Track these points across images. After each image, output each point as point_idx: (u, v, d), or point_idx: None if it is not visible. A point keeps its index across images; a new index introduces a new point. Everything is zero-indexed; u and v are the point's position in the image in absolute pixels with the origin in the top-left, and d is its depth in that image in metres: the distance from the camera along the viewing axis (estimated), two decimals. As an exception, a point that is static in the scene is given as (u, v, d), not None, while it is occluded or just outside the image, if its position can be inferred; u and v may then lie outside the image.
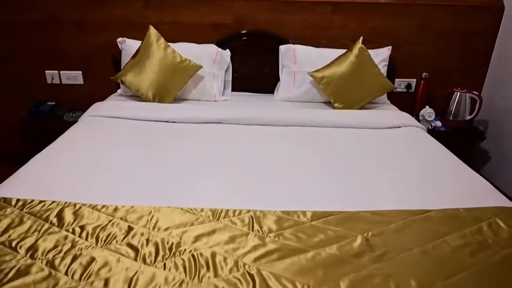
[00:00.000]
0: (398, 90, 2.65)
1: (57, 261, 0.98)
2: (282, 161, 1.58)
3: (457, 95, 2.51)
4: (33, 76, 2.61)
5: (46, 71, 2.61)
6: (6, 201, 1.21)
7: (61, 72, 2.62)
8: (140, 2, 2.46)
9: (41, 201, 1.21)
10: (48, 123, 2.44)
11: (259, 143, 1.76)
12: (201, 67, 2.27)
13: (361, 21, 2.54)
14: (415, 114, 2.54)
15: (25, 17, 2.46)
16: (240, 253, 1.03)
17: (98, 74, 2.59)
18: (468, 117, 2.55)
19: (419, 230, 1.15)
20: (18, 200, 1.22)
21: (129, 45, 2.35)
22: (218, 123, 1.97)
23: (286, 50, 2.43)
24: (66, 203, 1.21)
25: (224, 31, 2.52)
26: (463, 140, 2.56)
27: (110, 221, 1.14)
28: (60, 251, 1.02)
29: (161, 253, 1.02)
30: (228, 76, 2.48)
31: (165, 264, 0.99)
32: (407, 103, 2.65)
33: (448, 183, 1.46)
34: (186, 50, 2.29)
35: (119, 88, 2.39)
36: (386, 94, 2.44)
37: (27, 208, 1.18)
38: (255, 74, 2.57)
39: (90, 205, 1.21)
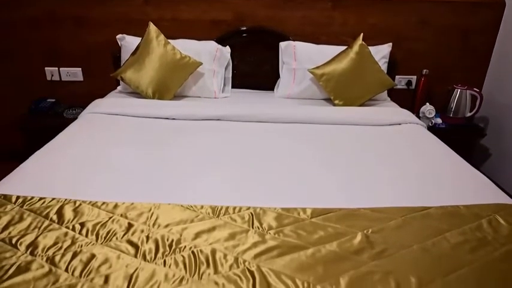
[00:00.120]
0: (398, 87, 2.65)
1: (57, 258, 0.98)
2: (282, 158, 1.58)
3: (457, 92, 2.51)
4: (33, 73, 2.60)
5: (46, 68, 2.60)
6: (6, 198, 1.21)
7: (61, 69, 2.61)
8: (140, -2, 2.45)
9: (41, 198, 1.21)
10: (48, 120, 2.43)
11: (259, 140, 1.76)
12: (201, 64, 2.26)
13: (362, 18, 2.53)
14: (415, 111, 2.54)
15: (24, 14, 2.45)
16: (240, 250, 1.03)
17: (98, 71, 2.59)
18: (468, 114, 2.55)
19: (419, 226, 1.15)
20: (18, 197, 1.22)
21: (128, 42, 2.34)
22: (218, 120, 1.96)
23: (286, 47, 2.42)
24: (66, 200, 1.21)
25: (224, 28, 2.51)
26: (463, 137, 2.55)
27: (110, 217, 1.14)
28: (61, 247, 1.02)
29: (161, 250, 1.03)
30: (228, 73, 2.48)
31: (165, 261, 0.99)
32: (408, 100, 2.65)
33: (448, 180, 1.46)
34: (186, 47, 2.28)
35: (119, 85, 2.39)
36: (386, 91, 2.43)
37: (27, 205, 1.18)
38: (255, 70, 2.56)
39: (90, 202, 1.21)
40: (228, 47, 2.44)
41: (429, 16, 2.55)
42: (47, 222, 1.12)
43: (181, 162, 1.51)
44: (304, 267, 0.98)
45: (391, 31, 2.56)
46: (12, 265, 0.95)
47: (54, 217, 1.14)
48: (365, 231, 1.12)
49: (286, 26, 2.52)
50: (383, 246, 1.06)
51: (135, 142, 1.68)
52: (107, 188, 1.31)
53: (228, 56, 2.44)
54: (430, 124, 2.47)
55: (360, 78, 2.26)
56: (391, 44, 2.45)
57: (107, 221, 1.13)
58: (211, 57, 2.35)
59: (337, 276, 0.95)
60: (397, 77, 2.65)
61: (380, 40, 2.47)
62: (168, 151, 1.60)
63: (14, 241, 1.04)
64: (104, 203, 1.20)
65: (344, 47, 2.33)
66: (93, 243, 1.04)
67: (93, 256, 0.99)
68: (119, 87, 2.39)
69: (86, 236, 1.07)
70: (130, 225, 1.11)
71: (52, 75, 2.62)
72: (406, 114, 2.13)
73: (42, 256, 0.99)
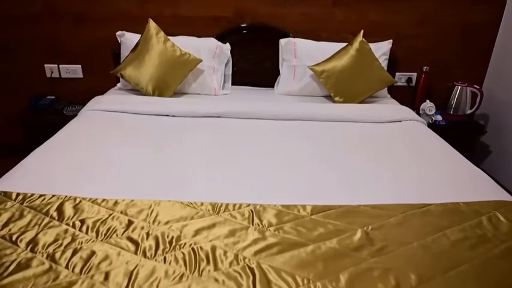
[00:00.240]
0: (398, 84, 2.64)
1: (57, 255, 0.98)
2: (282, 155, 1.58)
3: (457, 89, 2.51)
4: (33, 70, 2.60)
5: (45, 65, 2.60)
6: (7, 195, 1.22)
7: (60, 66, 2.61)
8: (139, -6, 2.45)
9: (41, 195, 1.21)
10: (48, 117, 2.43)
11: (259, 137, 1.75)
12: (200, 61, 2.26)
13: (362, 15, 2.52)
14: (415, 108, 2.54)
15: (24, 10, 2.45)
16: (240, 247, 1.03)
17: (98, 68, 2.58)
18: (469, 111, 2.55)
19: (419, 223, 1.15)
20: (18, 194, 1.22)
21: (128, 39, 2.34)
22: (218, 117, 1.96)
23: (286, 44, 2.42)
24: (66, 197, 1.21)
25: (224, 24, 2.50)
26: (463, 134, 2.55)
27: (110, 214, 1.14)
28: (61, 244, 1.02)
29: (161, 247, 1.03)
30: (228, 70, 2.47)
31: (165, 258, 0.99)
32: (408, 97, 2.65)
33: (448, 177, 1.46)
34: (185, 44, 2.28)
35: (119, 82, 2.39)
36: (386, 88, 2.43)
37: (27, 202, 1.19)
38: (255, 67, 2.56)
39: (90, 199, 1.21)
40: (228, 44, 2.43)
41: (430, 13, 2.54)
42: (47, 219, 1.12)
43: (181, 159, 1.51)
44: (304, 264, 0.98)
45: (391, 28, 2.55)
46: (12, 262, 0.95)
47: (55, 214, 1.14)
48: (365, 228, 1.12)
49: (287, 22, 2.51)
50: (383, 243, 1.06)
51: (135, 139, 1.68)
52: (107, 185, 1.31)
53: (228, 53, 2.43)
54: (430, 121, 2.47)
55: (360, 75, 2.26)
56: (391, 40, 2.45)
57: (107, 218, 1.13)
58: (211, 54, 2.34)
59: (337, 273, 0.95)
60: (397, 74, 2.64)
61: (380, 37, 2.46)
62: (168, 148, 1.60)
63: (14, 238, 1.04)
64: (104, 200, 1.21)
65: (344, 44, 2.32)
66: (94, 240, 1.04)
67: (93, 253, 0.99)
68: (118, 84, 2.39)
69: (86, 233, 1.07)
70: (130, 222, 1.11)
71: (52, 72, 2.61)
72: (406, 111, 2.13)
73: (42, 253, 0.99)
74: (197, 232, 1.08)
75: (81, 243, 1.03)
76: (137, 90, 2.23)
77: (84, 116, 1.93)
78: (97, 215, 1.14)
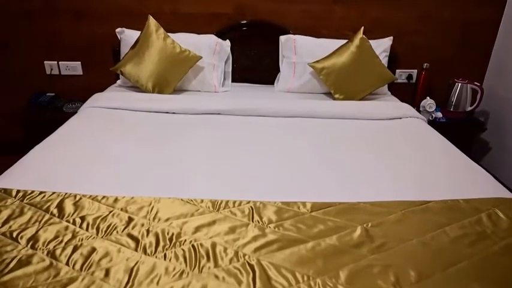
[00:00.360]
0: (399, 81, 2.64)
1: (58, 252, 0.99)
2: (282, 152, 1.58)
3: (458, 86, 2.50)
4: (32, 67, 2.59)
5: (45, 62, 2.59)
6: (7, 192, 1.22)
7: (60, 62, 2.60)
8: (139, -9, 2.44)
9: (41, 192, 1.22)
10: (48, 114, 2.43)
11: (259, 134, 1.75)
12: (200, 58, 2.25)
13: (362, 12, 2.52)
14: (415, 105, 2.54)
15: (23, 6, 2.44)
16: (240, 243, 1.03)
17: (97, 65, 2.58)
18: (469, 108, 2.54)
19: (418, 220, 1.16)
20: (18, 191, 1.22)
21: (128, 36, 2.33)
22: (218, 114, 1.96)
23: (286, 41, 2.41)
24: (66, 194, 1.22)
25: (224, 21, 2.50)
26: (463, 131, 2.55)
27: (110, 211, 1.14)
28: (61, 241, 1.03)
29: (161, 243, 1.03)
30: (228, 67, 2.47)
31: (165, 255, 0.99)
32: (408, 94, 2.64)
33: (448, 174, 1.46)
34: (185, 41, 2.27)
35: (118, 79, 2.38)
36: (387, 85, 2.43)
37: (27, 199, 1.19)
38: (255, 64, 2.55)
39: (91, 196, 1.21)
40: (228, 40, 2.42)
41: (430, 10, 2.53)
42: (47, 216, 1.12)
43: (182, 156, 1.51)
44: (304, 261, 0.98)
45: (392, 25, 2.54)
46: (13, 259, 0.96)
47: (55, 211, 1.14)
48: (365, 225, 1.12)
49: (287, 19, 2.50)
50: (382, 240, 1.07)
51: (135, 136, 1.68)
52: (107, 182, 1.31)
53: (228, 49, 2.43)
54: (431, 118, 2.47)
55: (361, 72, 2.25)
56: (391, 37, 2.44)
57: (107, 215, 1.13)
58: (211, 51, 2.34)
59: (336, 270, 0.95)
60: (397, 71, 2.64)
61: (381, 34, 2.46)
62: (168, 145, 1.60)
63: (14, 235, 1.04)
64: (104, 197, 1.21)
65: (344, 41, 2.32)
66: (94, 237, 1.05)
67: (93, 250, 1.00)
68: (118, 81, 2.39)
69: (87, 229, 1.08)
70: (130, 219, 1.12)
71: (51, 69, 2.61)
72: (406, 108, 2.13)
73: (43, 250, 0.99)
74: (197, 229, 1.08)
75: (82, 240, 1.03)
76: (137, 87, 2.23)
77: (84, 113, 1.93)
78: (97, 212, 1.14)
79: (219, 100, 2.09)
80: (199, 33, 2.39)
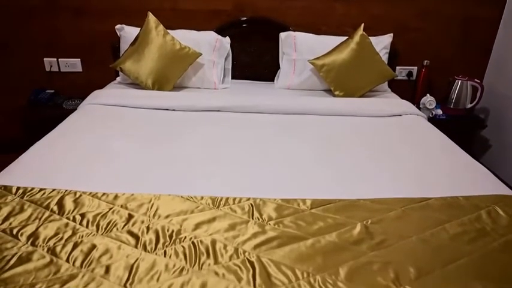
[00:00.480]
0: (399, 78, 2.64)
1: (58, 249, 0.99)
2: (282, 149, 1.58)
3: (458, 83, 2.50)
4: (32, 64, 2.59)
5: (44, 59, 2.59)
6: (7, 189, 1.22)
7: (59, 59, 2.60)
8: (139, -12, 2.43)
9: (41, 189, 1.22)
10: (47, 111, 2.43)
11: (259, 131, 1.75)
12: (200, 54, 2.25)
13: (363, 8, 2.51)
14: (415, 102, 2.53)
15: (23, 4, 2.43)
16: (240, 240, 1.03)
17: (97, 62, 2.57)
18: (469, 105, 2.54)
19: (418, 217, 1.16)
20: (18, 188, 1.22)
21: (127, 32, 2.33)
22: (218, 111, 1.96)
23: (286, 37, 2.40)
24: (66, 191, 1.21)
25: (224, 18, 2.49)
26: (463, 128, 2.55)
27: (110, 208, 1.15)
28: (61, 238, 1.03)
29: (161, 240, 1.03)
30: (227, 64, 2.46)
31: (165, 252, 0.99)
32: (408, 91, 2.64)
33: (447, 172, 1.46)
34: (185, 37, 2.27)
35: (118, 76, 2.38)
36: (387, 82, 2.42)
37: (27, 196, 1.19)
38: (255, 61, 2.55)
39: (91, 193, 1.21)
40: (227, 37, 2.42)
41: (430, 6, 2.52)
42: (47, 213, 1.12)
43: (181, 153, 1.51)
44: (304, 258, 0.98)
45: (392, 21, 2.54)
46: (13, 255, 0.96)
47: (55, 208, 1.14)
48: (364, 222, 1.12)
49: (287, 16, 2.50)
50: (382, 236, 1.07)
51: (135, 133, 1.68)
52: (107, 179, 1.31)
53: (228, 46, 2.42)
54: (431, 115, 2.47)
55: (361, 69, 2.25)
56: (392, 34, 2.43)
57: (107, 212, 1.13)
58: (210, 47, 2.33)
59: (336, 267, 0.95)
60: (397, 67, 2.63)
61: (381, 30, 2.45)
62: (168, 142, 1.60)
63: (14, 232, 1.04)
64: (104, 194, 1.21)
65: (345, 38, 2.31)
66: (94, 234, 1.05)
67: (93, 247, 1.00)
68: (118, 78, 2.38)
69: (87, 226, 1.08)
70: (130, 216, 1.12)
71: (51, 66, 2.60)
72: (406, 106, 2.13)
73: (43, 247, 1.00)
74: (197, 226, 1.08)
75: (82, 237, 1.03)
76: (137, 84, 2.23)
77: (84, 110, 1.93)
78: (97, 209, 1.14)
79: (219, 97, 2.09)
80: (199, 30, 2.39)
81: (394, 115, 2.00)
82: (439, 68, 2.64)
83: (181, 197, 1.20)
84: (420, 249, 1.04)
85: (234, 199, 1.20)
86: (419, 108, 2.41)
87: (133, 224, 1.09)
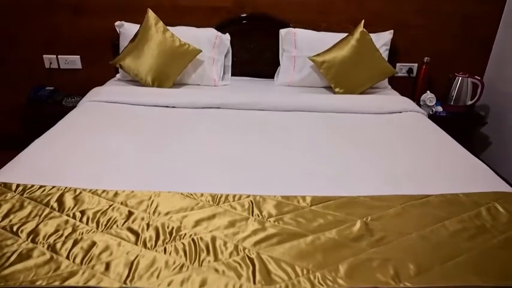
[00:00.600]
0: (399, 74, 2.63)
1: (58, 246, 0.99)
2: (282, 146, 1.58)
3: (458, 80, 2.50)
4: (31, 60, 2.58)
5: (44, 56, 2.58)
6: (7, 186, 1.22)
7: (59, 56, 2.59)
8: (138, -16, 2.42)
9: (41, 186, 1.22)
10: (47, 109, 2.42)
11: (259, 128, 1.75)
12: (200, 51, 2.24)
13: (363, 5, 2.50)
14: (416, 99, 2.53)
15: (22, 1, 2.42)
16: (240, 237, 1.04)
17: (97, 59, 2.56)
18: (469, 102, 2.54)
19: (418, 214, 1.16)
20: (18, 185, 1.22)
21: (127, 29, 2.32)
22: (218, 108, 1.96)
23: (286, 34, 2.40)
24: (66, 188, 1.22)
25: (224, 14, 2.48)
26: (463, 125, 2.55)
27: (110, 205, 1.15)
28: (61, 235, 1.03)
29: (161, 237, 1.03)
30: (227, 60, 2.46)
31: (165, 248, 0.99)
32: (409, 88, 2.64)
33: (447, 169, 1.46)
34: (185, 34, 2.26)
35: (118, 73, 2.37)
36: (387, 79, 2.42)
37: (27, 193, 1.19)
38: (255, 58, 2.54)
39: (91, 190, 1.21)
40: (227, 34, 2.41)
41: (431, 3, 2.51)
42: (47, 210, 1.12)
43: (181, 150, 1.51)
44: (304, 255, 0.98)
45: (392, 18, 2.53)
46: (13, 252, 0.96)
47: (55, 205, 1.14)
48: (364, 219, 1.12)
49: (287, 12, 2.49)
50: (382, 233, 1.07)
51: (135, 130, 1.67)
52: (107, 176, 1.31)
53: (228, 43, 2.41)
54: (431, 112, 2.46)
55: (361, 66, 2.24)
56: (392, 31, 2.43)
57: (107, 209, 1.13)
58: (210, 44, 2.33)
59: (336, 263, 0.96)
60: (398, 64, 2.63)
61: (381, 27, 2.44)
62: (168, 139, 1.60)
63: (15, 229, 1.04)
64: (104, 191, 1.21)
65: (345, 34, 2.30)
66: (94, 231, 1.05)
67: (94, 243, 1.00)
68: (118, 75, 2.38)
69: (87, 223, 1.08)
70: (130, 213, 1.12)
71: (50, 63, 2.59)
72: (406, 102, 2.12)
73: (43, 243, 1.00)
74: (197, 223, 1.09)
75: (82, 233, 1.04)
76: (136, 81, 2.22)
77: (84, 107, 1.93)
78: (97, 206, 1.15)
79: (219, 94, 2.09)
80: (198, 27, 2.38)
81: (394, 112, 2.00)
82: (439, 64, 2.63)
83: (181, 194, 1.20)
84: (420, 246, 1.04)
85: (234, 196, 1.20)
86: (419, 105, 2.41)
87: (133, 221, 1.09)
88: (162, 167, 1.38)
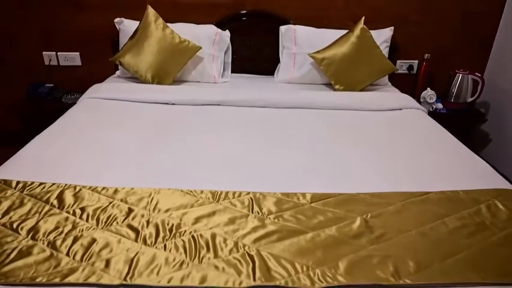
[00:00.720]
0: (399, 71, 2.62)
1: (58, 243, 0.99)
2: (282, 143, 1.58)
3: (459, 77, 2.49)
4: (31, 57, 2.57)
5: (43, 52, 2.57)
6: (7, 183, 1.22)
7: (59, 53, 2.58)
8: (138, -20, 2.41)
9: (41, 183, 1.22)
10: (47, 105, 2.42)
11: (259, 125, 1.75)
12: (200, 48, 2.23)
13: (363, 1, 2.49)
14: (416, 96, 2.52)
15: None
16: (239, 234, 1.04)
17: (96, 55, 2.56)
18: (470, 99, 2.53)
19: (417, 211, 1.16)
20: (18, 182, 1.22)
21: (126, 26, 2.31)
22: (218, 105, 1.95)
23: (286, 31, 2.39)
24: (66, 185, 1.22)
25: (223, 11, 2.47)
26: (464, 122, 2.55)
27: (110, 202, 1.15)
28: (61, 232, 1.03)
29: (161, 234, 1.03)
30: (227, 57, 2.45)
31: (165, 245, 0.99)
32: (409, 85, 2.63)
33: (447, 166, 1.46)
34: (184, 31, 2.25)
35: (118, 70, 2.37)
36: (387, 76, 2.41)
37: (27, 190, 1.19)
38: (255, 55, 2.53)
39: (90, 187, 1.21)
40: (227, 31, 2.40)
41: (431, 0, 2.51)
42: (47, 207, 1.12)
43: (181, 147, 1.51)
44: (304, 252, 0.99)
45: (393, 15, 2.52)
46: (13, 249, 0.96)
47: (55, 202, 1.14)
48: (364, 216, 1.12)
49: (287, 9, 2.48)
50: (382, 230, 1.07)
51: (134, 127, 1.67)
52: (107, 173, 1.31)
53: (228, 40, 2.41)
54: (431, 109, 2.46)
55: (361, 63, 2.24)
56: (392, 27, 2.42)
57: (107, 206, 1.13)
58: (210, 41, 2.32)
59: (336, 260, 0.96)
60: (398, 61, 2.62)
61: (382, 24, 2.44)
62: (168, 136, 1.60)
63: (15, 226, 1.04)
64: (104, 188, 1.21)
65: (345, 31, 2.30)
66: (94, 228, 1.05)
67: (93, 240, 1.00)
68: (117, 72, 2.37)
69: (87, 220, 1.08)
70: (130, 210, 1.12)
71: (50, 60, 2.59)
72: (407, 99, 2.12)
73: (43, 240, 1.00)
74: (197, 220, 1.09)
75: (82, 230, 1.04)
76: (136, 78, 2.22)
77: (83, 104, 1.92)
78: (97, 203, 1.15)
79: (219, 91, 2.08)
80: (198, 24, 2.37)
81: (395, 109, 2.00)
82: (439, 61, 2.63)
83: (181, 191, 1.20)
84: (419, 243, 1.04)
85: (234, 193, 1.20)
86: (419, 102, 2.40)
87: (133, 218, 1.09)
88: (162, 164, 1.38)
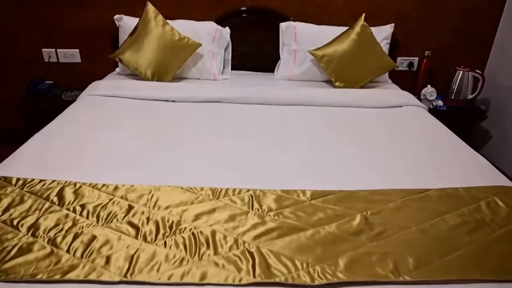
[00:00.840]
0: (400, 68, 2.62)
1: (58, 239, 0.99)
2: (282, 140, 1.58)
3: (459, 74, 2.49)
4: (30, 54, 2.57)
5: (43, 49, 2.57)
6: (7, 180, 1.22)
7: (58, 50, 2.58)
8: (137, -23, 2.40)
9: (41, 180, 1.22)
10: (46, 102, 2.42)
11: (259, 122, 1.75)
12: (200, 45, 2.23)
13: (364, -2, 2.48)
14: (416, 93, 2.52)
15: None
16: (239, 231, 1.04)
17: (96, 52, 2.55)
18: (470, 96, 2.53)
19: (417, 208, 1.16)
20: (18, 179, 1.22)
21: (126, 23, 2.31)
22: (218, 102, 1.95)
23: (286, 28, 2.38)
24: (66, 182, 1.22)
25: (224, 8, 2.46)
26: (464, 120, 2.55)
27: (111, 199, 1.15)
28: (62, 229, 1.03)
29: (162, 231, 1.03)
30: (227, 54, 2.45)
31: (165, 242, 1.00)
32: (409, 82, 2.63)
33: (447, 163, 1.46)
34: (184, 28, 2.25)
35: (117, 67, 2.37)
36: (388, 73, 2.41)
37: (27, 187, 1.19)
38: (255, 52, 2.53)
39: (91, 184, 1.21)
40: (227, 27, 2.40)
41: (432, -4, 2.50)
42: (47, 204, 1.12)
43: (181, 145, 1.51)
44: (304, 249, 0.99)
45: (393, 11, 2.51)
46: (14, 246, 0.96)
47: (55, 199, 1.14)
48: (364, 213, 1.13)
49: (287, 6, 2.47)
50: (381, 227, 1.07)
51: (135, 124, 1.67)
52: (107, 170, 1.31)
53: (228, 37, 2.40)
54: (431, 106, 2.46)
55: (361, 60, 2.24)
56: (393, 24, 2.41)
57: (108, 203, 1.13)
58: (210, 38, 2.32)
59: (335, 257, 0.96)
60: (398, 58, 2.62)
61: (382, 21, 2.43)
62: (168, 133, 1.60)
63: (15, 223, 1.05)
64: (104, 185, 1.21)
65: (345, 28, 2.29)
66: (94, 225, 1.05)
67: (94, 237, 1.00)
68: (117, 69, 2.37)
69: (87, 217, 1.08)
70: (130, 207, 1.12)
71: (49, 57, 2.58)
72: (407, 97, 2.12)
73: (43, 237, 1.00)
74: (197, 217, 1.09)
75: (82, 227, 1.04)
76: (136, 75, 2.21)
77: (83, 101, 1.92)
78: (97, 200, 1.15)
79: (219, 88, 2.08)
80: (198, 20, 2.37)
81: (395, 106, 2.00)
82: (440, 58, 2.62)
83: (181, 188, 1.20)
84: (419, 240, 1.04)
85: (234, 190, 1.20)
86: (420, 99, 2.40)
87: (133, 215, 1.09)
88: (162, 161, 1.38)
